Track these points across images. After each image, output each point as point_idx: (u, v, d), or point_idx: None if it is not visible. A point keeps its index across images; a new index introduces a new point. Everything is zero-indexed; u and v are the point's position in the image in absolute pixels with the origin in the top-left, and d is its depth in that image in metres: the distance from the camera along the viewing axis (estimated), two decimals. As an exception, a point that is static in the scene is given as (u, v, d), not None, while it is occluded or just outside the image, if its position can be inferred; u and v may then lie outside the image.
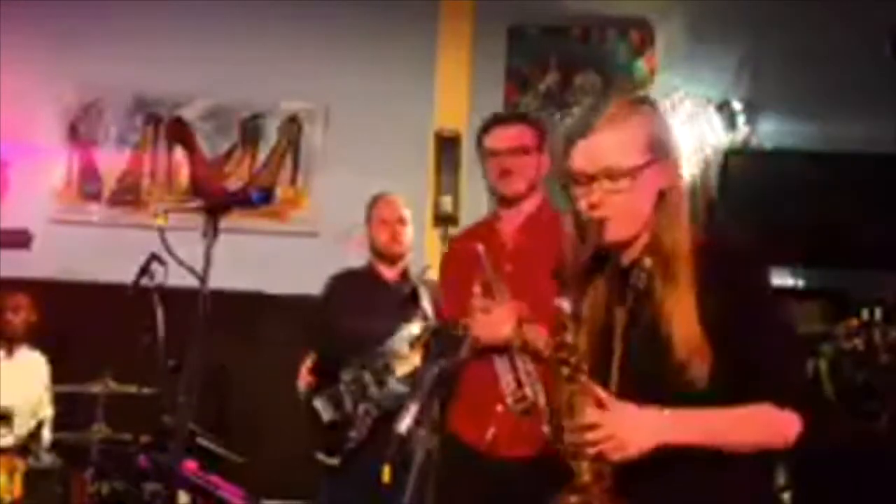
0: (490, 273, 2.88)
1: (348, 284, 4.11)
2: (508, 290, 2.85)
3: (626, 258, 1.88)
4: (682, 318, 1.78)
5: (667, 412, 1.76)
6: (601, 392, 1.79)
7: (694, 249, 1.82)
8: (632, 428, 1.75)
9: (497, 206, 3.11)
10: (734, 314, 1.77)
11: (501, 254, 2.96)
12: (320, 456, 3.94)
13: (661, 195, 1.84)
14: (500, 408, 2.82)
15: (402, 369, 3.84)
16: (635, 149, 1.81)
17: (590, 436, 1.75)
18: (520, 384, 2.79)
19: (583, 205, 1.83)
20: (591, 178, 1.81)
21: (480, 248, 2.91)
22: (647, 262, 1.85)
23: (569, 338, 1.80)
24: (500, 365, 2.82)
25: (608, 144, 1.81)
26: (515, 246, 3.00)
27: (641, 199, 1.83)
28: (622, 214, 1.81)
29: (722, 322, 1.77)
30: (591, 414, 1.77)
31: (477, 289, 2.87)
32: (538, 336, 2.73)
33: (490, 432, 2.82)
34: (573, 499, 1.79)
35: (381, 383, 3.86)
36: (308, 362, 3.98)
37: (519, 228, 3.03)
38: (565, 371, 1.81)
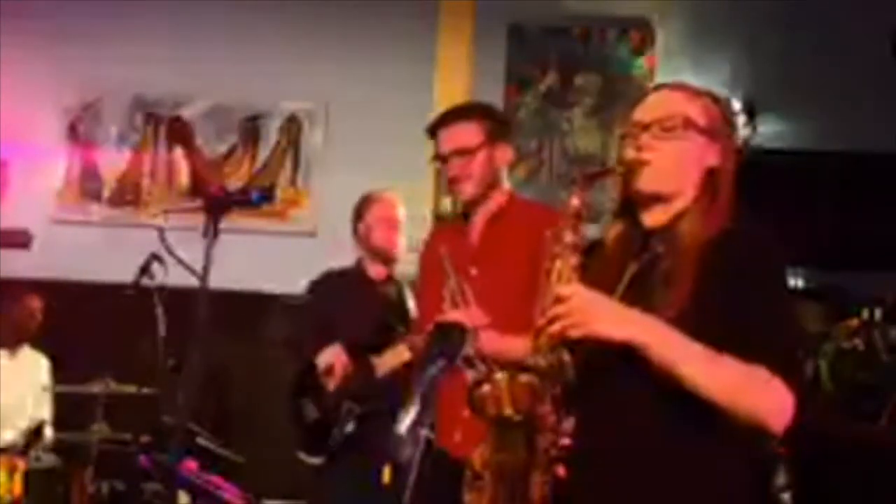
0: (454, 279, 2.85)
1: (337, 284, 4.02)
2: (473, 294, 2.81)
3: (651, 219, 1.90)
4: (676, 300, 1.77)
5: (642, 314, 1.75)
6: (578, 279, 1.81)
7: (719, 234, 1.83)
8: (598, 309, 1.74)
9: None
10: (742, 298, 1.76)
11: (467, 256, 2.92)
12: (302, 455, 3.91)
13: (710, 174, 1.88)
14: (466, 413, 2.80)
15: (382, 369, 3.81)
16: (693, 108, 1.89)
17: (556, 308, 1.75)
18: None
19: (631, 151, 1.88)
20: (645, 127, 1.88)
21: (443, 252, 2.88)
22: (673, 234, 1.86)
23: (575, 207, 1.84)
24: (468, 372, 2.79)
25: (669, 98, 1.92)
26: (480, 248, 2.94)
27: (686, 159, 1.87)
28: (663, 163, 1.85)
29: (727, 305, 1.74)
30: (565, 287, 1.78)
31: (446, 295, 2.84)
32: (494, 343, 2.72)
33: (457, 436, 2.78)
34: (523, 377, 1.77)
35: (363, 381, 3.79)
36: (333, 355, 3.83)
37: (483, 229, 2.96)
38: (557, 248, 1.83)
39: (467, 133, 2.94)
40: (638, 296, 1.81)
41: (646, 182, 1.86)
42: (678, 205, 1.88)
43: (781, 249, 1.85)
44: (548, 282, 1.82)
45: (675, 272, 1.79)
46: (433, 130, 3.01)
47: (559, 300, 1.75)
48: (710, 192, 1.88)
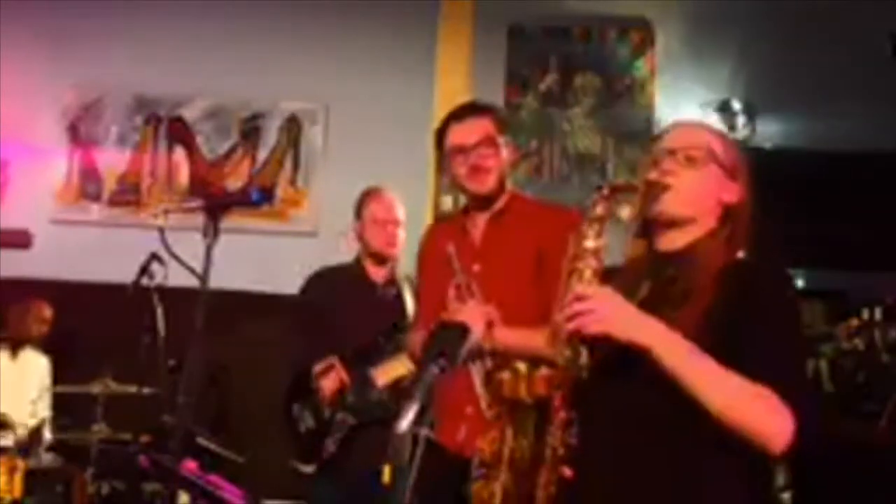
0: (461, 275, 2.86)
1: (334, 283, 3.99)
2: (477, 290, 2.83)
3: (665, 243, 1.95)
4: (690, 319, 1.79)
5: (660, 322, 1.78)
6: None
7: (731, 265, 1.88)
8: (617, 310, 1.79)
9: (468, 203, 3.03)
10: (755, 326, 1.79)
11: (470, 253, 2.92)
12: (295, 464, 3.88)
13: (727, 212, 1.94)
14: (469, 409, 2.78)
15: (382, 380, 3.79)
16: (716, 143, 1.97)
17: (575, 306, 1.79)
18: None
19: (654, 173, 1.93)
20: (672, 153, 1.94)
21: (451, 249, 2.88)
22: (687, 260, 1.90)
23: (590, 242, 1.87)
24: (474, 368, 2.79)
25: (695, 130, 2.01)
26: (483, 245, 2.94)
27: (706, 190, 1.93)
28: (684, 189, 1.91)
29: (740, 331, 1.78)
30: (586, 287, 1.83)
31: (452, 291, 2.86)
32: (508, 338, 2.72)
33: (460, 433, 2.78)
34: (543, 369, 1.83)
35: (360, 392, 3.78)
36: (325, 365, 3.81)
37: (487, 227, 2.96)
38: (579, 250, 1.87)
39: (491, 126, 2.95)
40: (650, 313, 1.84)
41: (665, 205, 1.91)
42: (693, 232, 1.93)
43: (792, 282, 1.93)
44: (568, 281, 1.86)
45: (689, 295, 1.83)
46: (447, 124, 2.99)
47: (579, 298, 1.80)
48: (728, 227, 1.93)
